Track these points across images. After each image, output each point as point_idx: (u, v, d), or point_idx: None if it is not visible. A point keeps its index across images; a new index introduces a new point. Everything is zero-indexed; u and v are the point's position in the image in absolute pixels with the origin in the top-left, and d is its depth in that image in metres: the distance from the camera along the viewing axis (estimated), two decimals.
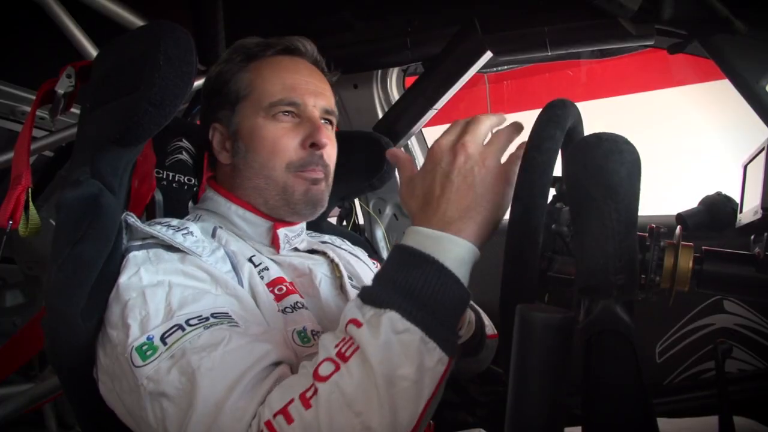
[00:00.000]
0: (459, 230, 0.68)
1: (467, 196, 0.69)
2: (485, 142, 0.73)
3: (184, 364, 0.68)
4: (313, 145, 1.01)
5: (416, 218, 0.73)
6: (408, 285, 0.65)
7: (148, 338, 0.72)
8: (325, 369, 0.63)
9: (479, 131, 0.73)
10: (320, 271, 1.04)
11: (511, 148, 0.76)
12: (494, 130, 0.76)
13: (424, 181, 0.73)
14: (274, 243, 1.04)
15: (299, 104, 1.01)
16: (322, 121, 1.05)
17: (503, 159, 0.74)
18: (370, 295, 0.67)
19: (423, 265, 0.66)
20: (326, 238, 1.28)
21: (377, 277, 0.70)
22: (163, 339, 0.71)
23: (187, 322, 0.73)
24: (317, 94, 1.04)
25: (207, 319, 0.74)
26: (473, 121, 0.74)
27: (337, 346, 0.65)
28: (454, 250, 0.68)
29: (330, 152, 1.06)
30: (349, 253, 1.23)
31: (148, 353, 0.70)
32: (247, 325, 0.77)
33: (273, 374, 0.69)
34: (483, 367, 1.19)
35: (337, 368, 0.63)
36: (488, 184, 0.70)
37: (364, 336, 0.63)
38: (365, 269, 1.20)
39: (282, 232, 1.05)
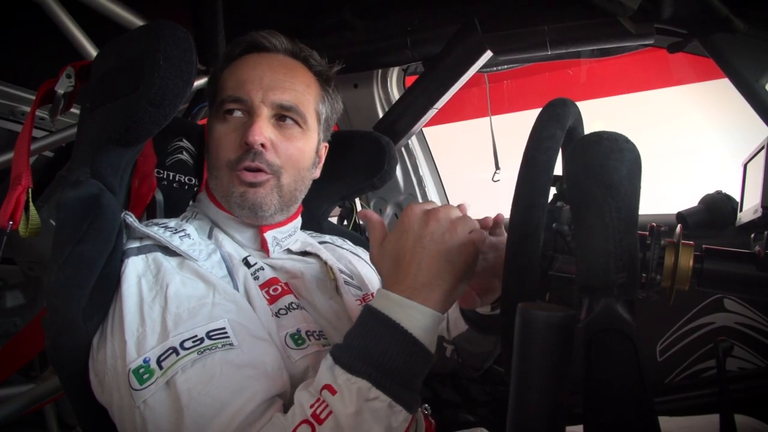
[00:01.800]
0: (426, 299, 0.72)
1: (437, 263, 0.73)
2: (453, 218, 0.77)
3: (175, 399, 0.71)
4: (245, 143, 0.94)
5: (387, 280, 0.77)
6: (378, 354, 0.69)
7: (145, 360, 0.74)
8: (303, 431, 0.68)
9: (450, 210, 0.77)
10: (312, 274, 1.04)
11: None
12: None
13: (397, 243, 0.76)
14: (263, 247, 1.03)
15: (245, 100, 0.96)
16: (276, 118, 0.98)
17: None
18: (340, 358, 0.71)
19: (392, 333, 0.71)
20: (327, 238, 1.28)
21: (349, 337, 0.74)
22: (159, 362, 0.73)
23: (181, 344, 0.75)
24: (270, 89, 0.96)
25: (202, 340, 0.75)
26: (444, 205, 0.78)
27: (312, 406, 0.69)
28: (422, 320, 0.72)
29: (282, 150, 0.98)
30: (350, 252, 1.23)
31: (145, 376, 0.73)
32: (243, 338, 0.78)
33: (258, 423, 0.71)
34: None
35: (313, 431, 0.67)
36: (457, 252, 0.74)
37: (337, 404, 0.68)
38: (366, 268, 1.19)
39: (269, 235, 1.03)
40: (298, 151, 1.01)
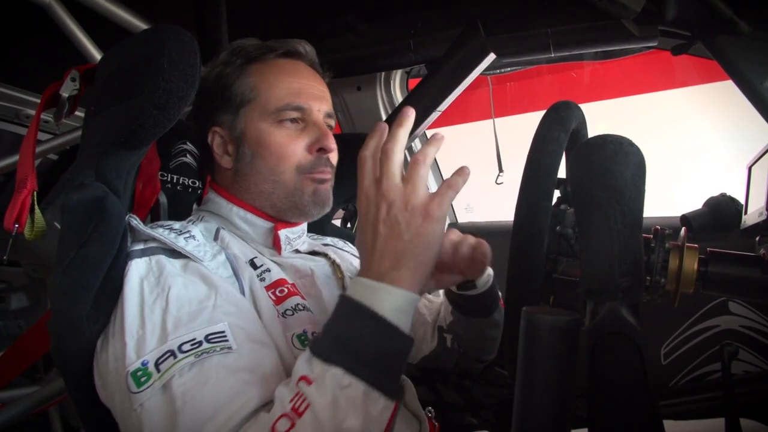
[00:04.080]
0: (394, 279, 0.70)
1: (397, 245, 0.71)
2: (403, 179, 0.74)
3: (170, 402, 0.71)
4: (320, 149, 1.02)
5: (360, 267, 0.76)
6: (350, 340, 0.68)
7: (143, 363, 0.74)
8: (282, 425, 0.66)
9: (393, 169, 0.74)
10: (322, 272, 1.05)
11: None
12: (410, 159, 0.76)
13: (361, 230, 0.76)
14: (276, 244, 1.04)
15: (305, 109, 1.02)
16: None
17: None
18: (317, 349, 0.70)
19: (363, 317, 0.69)
20: (328, 240, 1.29)
21: (325, 327, 0.73)
22: (157, 365, 0.73)
23: (179, 347, 0.74)
24: (320, 99, 1.05)
25: (200, 343, 0.75)
26: (384, 158, 0.75)
27: (291, 401, 0.67)
28: (391, 301, 0.70)
29: (334, 155, 1.07)
30: (351, 254, 1.23)
31: (143, 379, 0.72)
32: (242, 341, 0.78)
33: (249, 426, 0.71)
34: (497, 337, 1.16)
35: (293, 425, 0.66)
36: (415, 227, 0.71)
37: (313, 395, 0.66)
38: None
39: (283, 233, 1.05)
40: (337, 153, 1.08)
